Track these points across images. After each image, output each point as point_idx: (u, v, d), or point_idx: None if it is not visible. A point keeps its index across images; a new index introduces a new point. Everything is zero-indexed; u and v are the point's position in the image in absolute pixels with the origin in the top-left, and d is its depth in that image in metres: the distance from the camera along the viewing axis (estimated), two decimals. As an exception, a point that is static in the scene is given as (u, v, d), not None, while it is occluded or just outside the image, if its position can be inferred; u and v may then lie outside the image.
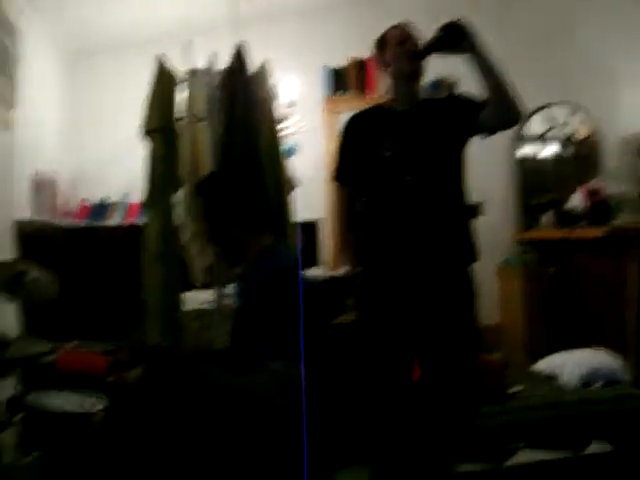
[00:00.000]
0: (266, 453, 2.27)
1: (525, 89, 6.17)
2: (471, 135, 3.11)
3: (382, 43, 3.21)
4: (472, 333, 3.09)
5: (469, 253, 3.11)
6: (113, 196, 5.78)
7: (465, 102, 3.13)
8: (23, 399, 2.58)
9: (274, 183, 3.39)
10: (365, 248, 3.11)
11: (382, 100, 3.23)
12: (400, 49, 3.11)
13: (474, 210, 3.17)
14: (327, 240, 6.00)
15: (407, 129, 3.07)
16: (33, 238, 4.04)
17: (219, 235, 2.59)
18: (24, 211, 3.92)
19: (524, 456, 3.90)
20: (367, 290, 3.09)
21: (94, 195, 5.75)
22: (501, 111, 3.00)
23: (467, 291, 3.09)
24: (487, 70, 2.95)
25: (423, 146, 3.02)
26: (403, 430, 3.05)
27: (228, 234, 2.55)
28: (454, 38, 2.94)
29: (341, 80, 6.12)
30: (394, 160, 3.02)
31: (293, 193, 3.76)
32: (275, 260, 2.45)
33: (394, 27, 3.22)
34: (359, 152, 3.13)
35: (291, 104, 5.53)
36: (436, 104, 3.15)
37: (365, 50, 5.88)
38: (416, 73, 3.13)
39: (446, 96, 3.22)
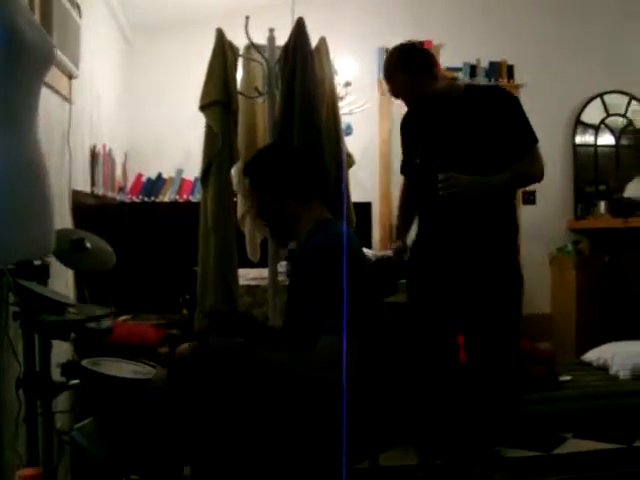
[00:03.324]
0: (311, 430, 2.27)
1: (582, 75, 6.18)
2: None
3: None
4: (512, 317, 3.12)
5: (506, 246, 3.15)
6: (167, 172, 5.83)
7: (517, 126, 3.09)
8: (79, 364, 2.61)
9: (332, 160, 3.38)
10: (419, 234, 3.29)
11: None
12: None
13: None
14: (379, 222, 6.02)
15: (435, 132, 3.13)
16: (90, 210, 4.10)
17: (267, 212, 2.57)
18: (81, 183, 3.97)
19: (572, 445, 3.88)
20: (416, 272, 3.26)
21: (149, 170, 5.81)
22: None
23: (508, 275, 3.12)
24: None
25: (450, 150, 3.06)
26: (448, 410, 3.10)
27: (274, 209, 2.53)
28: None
29: (397, 63, 6.08)
30: (423, 166, 3.15)
31: (348, 173, 3.77)
32: (326, 235, 2.41)
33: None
34: (406, 152, 3.33)
35: (347, 85, 5.51)
36: (478, 98, 3.12)
37: (422, 32, 5.91)
38: (410, 100, 3.17)
39: (493, 89, 3.25)
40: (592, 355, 5.01)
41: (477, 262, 3.05)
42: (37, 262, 2.44)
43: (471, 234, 3.06)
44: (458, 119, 3.05)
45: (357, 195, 4.47)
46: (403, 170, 3.41)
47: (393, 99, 3.29)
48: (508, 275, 3.09)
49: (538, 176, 3.14)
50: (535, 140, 3.09)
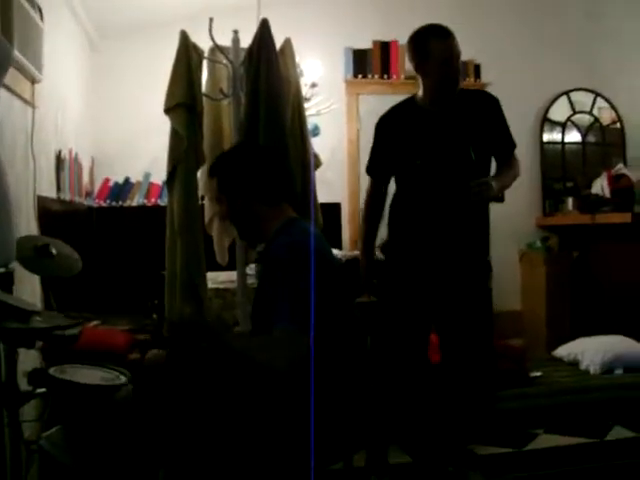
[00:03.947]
0: (283, 431, 2.26)
1: (548, 73, 6.22)
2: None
3: (424, 54, 3.16)
4: (485, 316, 3.22)
5: (485, 246, 3.29)
6: (135, 176, 5.79)
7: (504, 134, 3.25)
8: (46, 372, 2.57)
9: (298, 161, 3.37)
10: (394, 233, 3.30)
11: (416, 95, 3.27)
12: (445, 68, 3.10)
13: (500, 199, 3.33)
14: (348, 222, 6.01)
15: (439, 133, 3.14)
16: (56, 215, 4.05)
17: (236, 215, 2.54)
18: (47, 188, 3.92)
19: (544, 441, 3.89)
20: (389, 271, 3.29)
21: (116, 174, 5.76)
22: None
23: (483, 275, 3.23)
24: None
25: (454, 152, 3.10)
26: (421, 409, 3.14)
27: (245, 212, 2.50)
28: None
29: (364, 62, 6.10)
30: (425, 168, 3.14)
31: (315, 173, 3.75)
32: (289, 235, 2.39)
33: (438, 38, 3.17)
34: (390, 153, 3.26)
35: (313, 85, 5.49)
36: (470, 100, 3.21)
37: (389, 33, 5.92)
38: (457, 83, 3.16)
39: (482, 92, 3.34)
40: (563, 351, 5.03)
41: (467, 258, 3.17)
42: (1, 270, 2.42)
43: (465, 232, 3.17)
44: (463, 121, 3.12)
45: (326, 196, 4.46)
46: (373, 171, 3.39)
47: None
48: (485, 270, 3.24)
49: (519, 174, 3.35)
50: (515, 143, 3.31)
